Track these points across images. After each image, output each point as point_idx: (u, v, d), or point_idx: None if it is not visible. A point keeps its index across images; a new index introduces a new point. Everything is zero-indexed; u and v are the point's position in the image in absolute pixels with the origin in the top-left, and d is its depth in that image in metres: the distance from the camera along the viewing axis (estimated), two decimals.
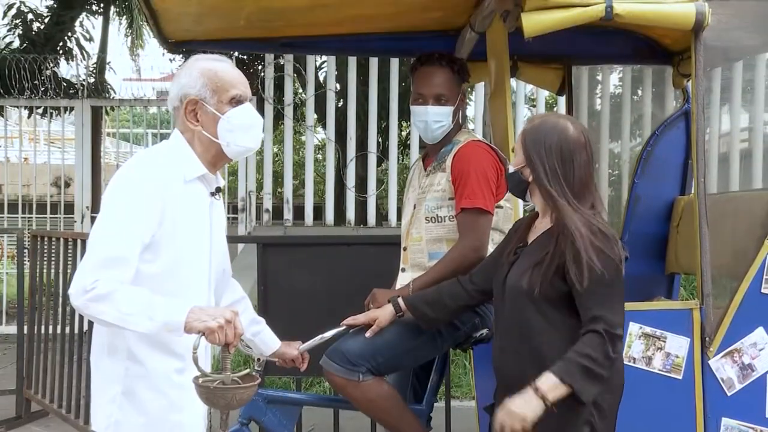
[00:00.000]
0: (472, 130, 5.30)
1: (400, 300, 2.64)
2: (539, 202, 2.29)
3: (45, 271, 4.97)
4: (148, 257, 1.99)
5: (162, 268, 2.01)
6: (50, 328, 4.89)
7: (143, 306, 1.88)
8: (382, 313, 2.66)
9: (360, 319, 2.69)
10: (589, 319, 2.11)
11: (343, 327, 2.72)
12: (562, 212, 2.16)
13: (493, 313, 2.43)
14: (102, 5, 10.55)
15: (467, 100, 7.90)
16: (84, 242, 4.43)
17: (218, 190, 2.19)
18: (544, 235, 2.26)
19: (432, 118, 2.82)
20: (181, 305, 1.90)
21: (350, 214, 7.28)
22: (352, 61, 7.35)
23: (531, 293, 2.17)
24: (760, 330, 2.55)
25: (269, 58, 7.42)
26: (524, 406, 2.05)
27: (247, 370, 1.95)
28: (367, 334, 2.66)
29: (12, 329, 7.11)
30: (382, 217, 8.04)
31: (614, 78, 7.95)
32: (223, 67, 2.13)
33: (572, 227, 2.11)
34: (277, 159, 11.65)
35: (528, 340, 2.20)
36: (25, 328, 5.05)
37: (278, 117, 7.68)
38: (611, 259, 2.12)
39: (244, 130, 2.11)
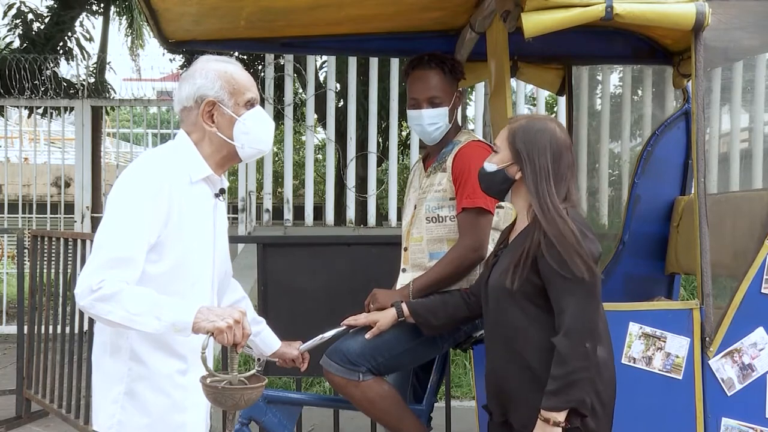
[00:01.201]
0: (472, 130, 5.32)
1: (403, 305, 2.64)
2: (521, 201, 2.29)
3: (45, 271, 4.97)
4: (153, 257, 1.99)
5: (167, 269, 2.01)
6: (50, 328, 4.89)
7: (150, 306, 1.88)
8: (383, 317, 2.66)
9: (360, 319, 2.70)
10: (558, 312, 2.14)
11: (343, 327, 2.72)
12: (544, 214, 2.18)
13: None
14: (102, 5, 10.55)
15: (467, 100, 7.93)
16: (84, 242, 4.44)
17: (222, 191, 2.19)
18: (521, 235, 2.27)
19: (427, 121, 2.81)
20: (189, 305, 1.90)
21: (350, 214, 7.28)
22: (353, 61, 7.35)
23: (511, 291, 2.18)
24: (760, 330, 2.55)
25: (269, 58, 7.42)
26: None
27: (253, 371, 1.96)
28: (367, 336, 2.66)
29: (12, 329, 7.12)
30: (382, 217, 8.04)
31: (614, 78, 7.96)
32: (237, 70, 2.15)
33: (551, 230, 2.14)
34: (277, 159, 11.67)
35: (512, 338, 2.21)
36: (25, 328, 5.05)
37: (278, 117, 7.67)
38: (585, 257, 2.13)
39: (258, 132, 2.14)
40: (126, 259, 1.92)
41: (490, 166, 2.29)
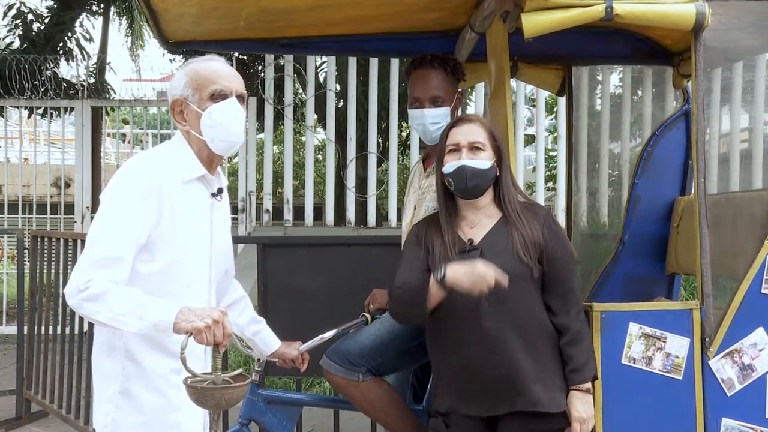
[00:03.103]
0: None
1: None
2: (485, 198, 2.37)
3: (45, 271, 4.97)
4: (146, 257, 1.99)
5: (159, 268, 2.01)
6: (50, 328, 4.89)
7: (134, 306, 1.88)
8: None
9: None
10: (564, 291, 2.29)
11: (343, 327, 2.72)
12: (531, 204, 2.39)
13: (447, 316, 2.34)
14: (102, 6, 10.56)
15: (467, 101, 7.93)
16: (84, 242, 4.43)
17: (220, 191, 2.19)
18: (500, 227, 2.33)
19: (429, 121, 2.82)
20: (172, 306, 1.89)
21: (350, 214, 7.28)
22: (352, 62, 7.35)
23: (519, 277, 2.24)
24: (760, 330, 2.55)
25: (269, 58, 7.43)
26: (589, 407, 2.27)
27: (239, 370, 1.93)
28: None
29: (12, 330, 7.13)
30: (382, 217, 8.04)
31: (614, 78, 7.96)
32: (206, 65, 2.12)
33: (544, 215, 2.35)
34: (277, 159, 11.65)
35: (521, 325, 2.25)
36: (25, 328, 5.05)
37: (278, 117, 7.68)
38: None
39: (224, 124, 2.09)
40: (114, 258, 1.92)
41: (483, 162, 2.33)
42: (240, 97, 2.13)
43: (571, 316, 2.28)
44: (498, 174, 2.37)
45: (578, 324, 2.29)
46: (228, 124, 2.09)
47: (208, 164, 2.15)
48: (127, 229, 1.96)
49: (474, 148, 2.33)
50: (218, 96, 2.09)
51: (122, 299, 1.88)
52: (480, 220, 2.36)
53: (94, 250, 1.94)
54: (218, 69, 2.12)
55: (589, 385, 2.29)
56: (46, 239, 4.97)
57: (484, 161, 2.32)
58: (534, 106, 8.34)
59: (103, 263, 1.91)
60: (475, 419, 2.31)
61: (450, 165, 2.34)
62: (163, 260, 2.02)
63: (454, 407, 2.33)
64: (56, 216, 8.27)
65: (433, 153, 2.93)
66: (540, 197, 7.48)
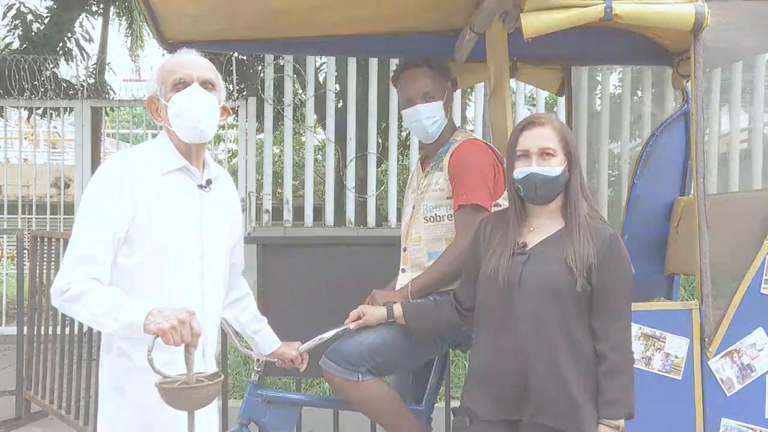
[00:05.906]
0: (472, 130, 5.32)
1: (395, 306, 2.65)
2: (553, 203, 2.29)
3: (45, 271, 4.97)
4: (126, 251, 2.01)
5: (141, 261, 2.02)
6: (50, 328, 4.89)
7: (110, 307, 1.89)
8: (372, 312, 2.67)
9: (352, 315, 2.70)
10: (610, 320, 2.19)
11: (343, 327, 2.72)
12: (593, 217, 2.26)
13: (484, 318, 2.34)
14: (102, 6, 10.55)
15: (467, 101, 7.92)
16: None
17: (209, 182, 2.18)
18: (557, 237, 2.26)
19: (424, 116, 2.83)
20: (143, 307, 1.88)
21: (350, 214, 7.28)
22: (352, 62, 7.35)
23: (561, 290, 2.17)
24: (760, 330, 2.55)
25: (269, 58, 7.42)
26: None
27: (216, 370, 1.93)
28: (351, 326, 2.66)
29: (12, 330, 7.10)
30: (381, 217, 8.03)
31: (614, 78, 7.96)
32: (172, 59, 2.14)
33: (610, 236, 2.23)
34: (276, 160, 11.64)
35: (547, 338, 2.18)
36: (25, 328, 5.05)
37: (278, 118, 7.67)
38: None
39: (187, 111, 2.08)
40: (90, 255, 1.94)
41: (553, 170, 2.25)
42: (206, 83, 2.11)
43: (611, 345, 2.18)
44: (568, 178, 2.28)
45: (618, 356, 2.18)
46: (189, 109, 2.08)
47: (187, 156, 2.15)
48: (100, 225, 1.98)
49: (545, 154, 2.25)
50: (180, 84, 2.09)
51: (100, 300, 1.90)
52: (542, 225, 2.31)
53: (72, 249, 1.97)
54: (180, 59, 2.13)
55: (620, 422, 2.18)
56: (45, 239, 4.97)
57: (554, 168, 2.24)
58: (534, 106, 8.32)
59: (80, 260, 1.94)
60: (497, 422, 2.28)
61: (520, 171, 2.26)
62: (143, 253, 2.03)
63: (479, 407, 2.32)
64: (56, 216, 8.26)
65: (431, 152, 2.93)
66: None
